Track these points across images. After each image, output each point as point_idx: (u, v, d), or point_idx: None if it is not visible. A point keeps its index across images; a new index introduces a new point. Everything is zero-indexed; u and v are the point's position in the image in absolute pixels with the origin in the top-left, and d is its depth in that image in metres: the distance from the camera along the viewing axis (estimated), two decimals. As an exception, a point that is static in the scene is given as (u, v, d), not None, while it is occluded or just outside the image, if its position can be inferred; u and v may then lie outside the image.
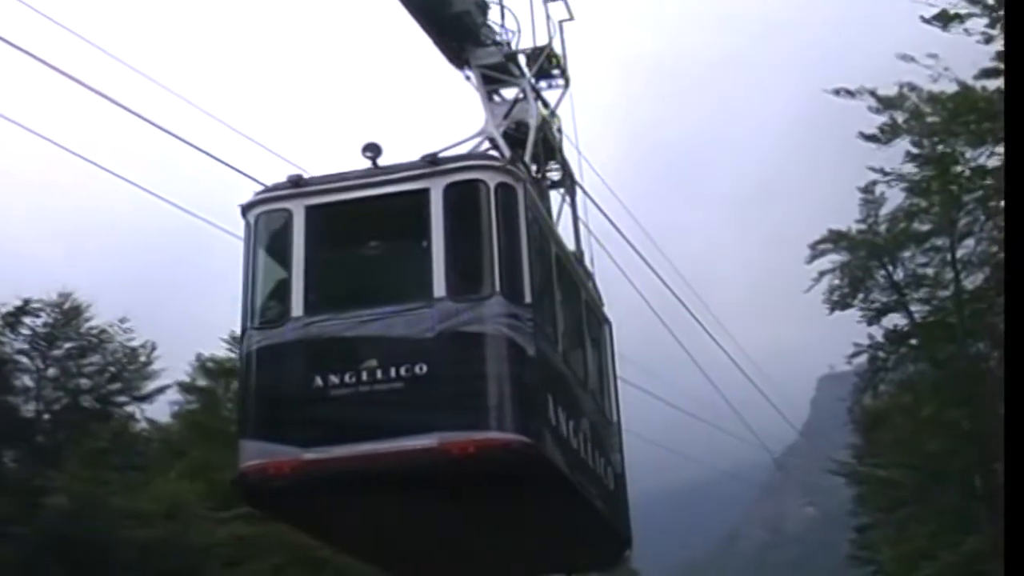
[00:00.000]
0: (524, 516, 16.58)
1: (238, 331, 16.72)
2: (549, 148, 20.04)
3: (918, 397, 43.86)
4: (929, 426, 42.68)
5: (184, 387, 47.37)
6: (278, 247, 16.33)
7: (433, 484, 15.36)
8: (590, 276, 19.99)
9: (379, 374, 15.64)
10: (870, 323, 45.36)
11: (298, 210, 16.46)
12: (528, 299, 15.57)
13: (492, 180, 16.08)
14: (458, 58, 20.14)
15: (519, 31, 20.57)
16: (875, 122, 41.91)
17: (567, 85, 21.14)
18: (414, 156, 17.23)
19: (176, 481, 40.94)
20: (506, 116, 19.51)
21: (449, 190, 16.02)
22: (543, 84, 20.76)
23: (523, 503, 16.14)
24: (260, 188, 16.67)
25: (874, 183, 44.14)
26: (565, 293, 17.42)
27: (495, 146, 18.70)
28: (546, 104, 20.60)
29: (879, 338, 45.51)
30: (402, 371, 15.66)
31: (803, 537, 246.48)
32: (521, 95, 19.70)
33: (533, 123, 19.41)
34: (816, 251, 45.98)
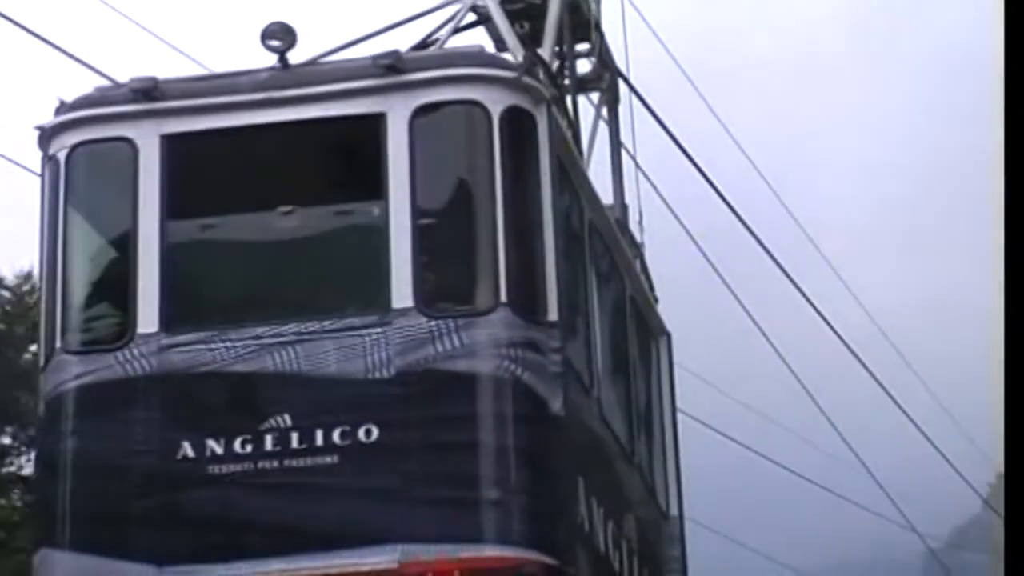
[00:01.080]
0: None
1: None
2: (580, 22, 14.60)
3: None
4: None
5: None
6: (109, 207, 11.28)
7: None
8: (638, 251, 15.25)
9: (295, 440, 10.57)
10: None
11: (148, 141, 11.14)
12: (553, 314, 10.98)
13: (496, 101, 10.95)
14: None
15: None
16: None
17: None
18: (353, 48, 11.75)
19: None
20: None
21: (421, 118, 10.91)
22: None
23: None
24: (73, 99, 11.50)
25: None
26: (603, 292, 12.94)
27: (484, 22, 13.49)
28: None
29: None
30: (335, 436, 10.58)
31: None
32: None
33: None
34: None
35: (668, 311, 15.41)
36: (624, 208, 15.14)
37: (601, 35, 15.26)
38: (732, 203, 18.05)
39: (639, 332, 14.47)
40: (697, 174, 17.30)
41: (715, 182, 17.62)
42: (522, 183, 11.13)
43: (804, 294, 19.84)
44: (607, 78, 15.49)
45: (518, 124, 11.19)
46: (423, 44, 13.56)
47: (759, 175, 27.26)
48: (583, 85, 15.36)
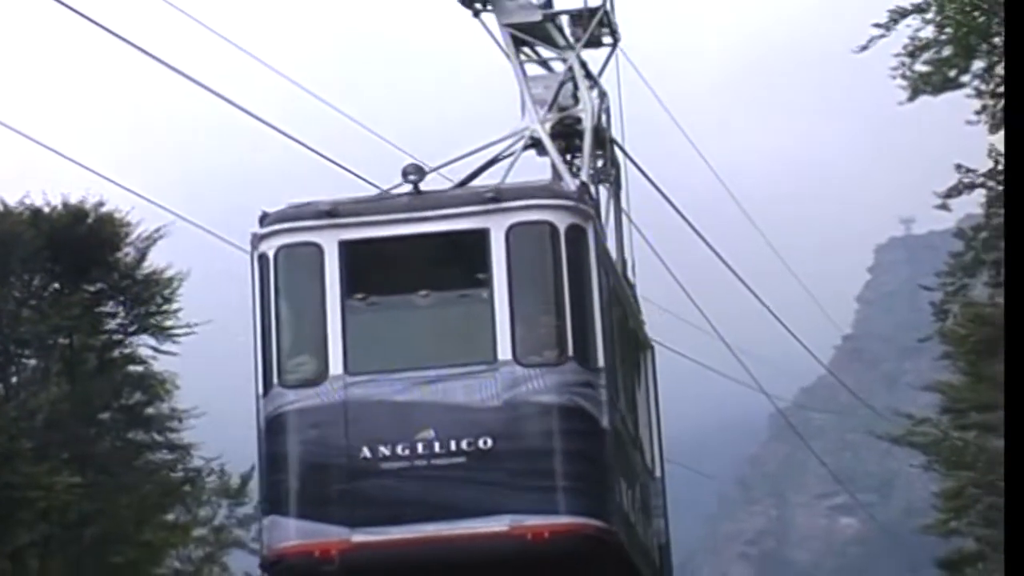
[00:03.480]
0: None
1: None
2: (598, 139, 20.57)
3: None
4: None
5: None
6: (304, 289, 17.14)
7: (499, 571, 16.77)
8: (633, 290, 21.03)
9: (437, 446, 16.57)
10: (996, 126, 31.33)
11: (330, 246, 17.01)
12: (600, 363, 17.02)
13: (562, 222, 16.96)
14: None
15: None
16: None
17: (616, 43, 21.23)
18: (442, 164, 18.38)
19: None
20: (551, 107, 19.93)
21: (513, 232, 16.85)
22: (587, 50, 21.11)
23: None
24: (275, 212, 17.32)
25: None
26: (621, 333, 18.83)
27: (536, 145, 19.59)
28: (592, 78, 20.76)
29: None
30: (464, 444, 16.57)
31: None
32: (568, 76, 20.18)
33: (588, 121, 19.98)
34: None
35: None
36: (625, 261, 20.97)
37: (612, 146, 20.99)
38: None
39: (636, 351, 20.27)
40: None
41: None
42: (579, 276, 16.88)
43: (633, 160, 22.39)
44: (614, 174, 21.17)
45: (576, 236, 16.96)
46: (493, 160, 19.57)
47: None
48: (598, 177, 20.93)
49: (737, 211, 35.59)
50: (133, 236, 41.03)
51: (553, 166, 19.78)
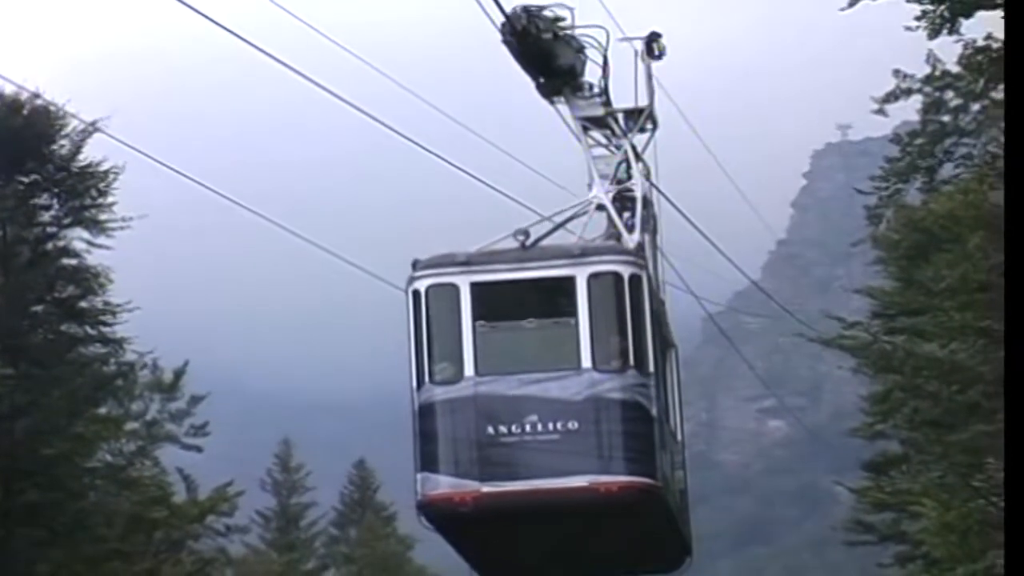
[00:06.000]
0: (629, 534, 25.38)
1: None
2: (644, 201, 27.24)
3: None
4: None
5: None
6: (446, 316, 23.75)
7: (578, 514, 23.92)
8: (663, 304, 27.29)
9: (539, 427, 23.33)
10: (935, 32, 31.40)
11: (464, 285, 23.68)
12: (651, 369, 23.99)
13: (626, 271, 23.72)
14: (547, 91, 26.71)
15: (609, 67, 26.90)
16: None
17: (655, 128, 27.51)
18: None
19: None
20: (612, 180, 26.54)
21: (592, 279, 23.56)
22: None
23: (633, 526, 24.86)
24: (425, 260, 24.08)
25: None
26: (659, 341, 25.26)
27: (601, 208, 26.04)
28: (639, 157, 27.09)
29: (952, 64, 31.72)
30: (558, 425, 23.31)
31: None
32: (624, 156, 26.76)
33: (639, 192, 26.54)
34: None
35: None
36: (659, 284, 27.14)
37: (653, 208, 27.46)
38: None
39: (667, 350, 26.86)
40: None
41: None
42: (637, 308, 23.71)
43: (678, 208, 29.57)
44: (652, 224, 27.48)
45: (635, 281, 23.84)
46: (570, 218, 26.11)
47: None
48: (644, 225, 27.62)
49: (670, 110, 36.12)
50: (69, 129, 41.56)
51: (611, 220, 26.28)
